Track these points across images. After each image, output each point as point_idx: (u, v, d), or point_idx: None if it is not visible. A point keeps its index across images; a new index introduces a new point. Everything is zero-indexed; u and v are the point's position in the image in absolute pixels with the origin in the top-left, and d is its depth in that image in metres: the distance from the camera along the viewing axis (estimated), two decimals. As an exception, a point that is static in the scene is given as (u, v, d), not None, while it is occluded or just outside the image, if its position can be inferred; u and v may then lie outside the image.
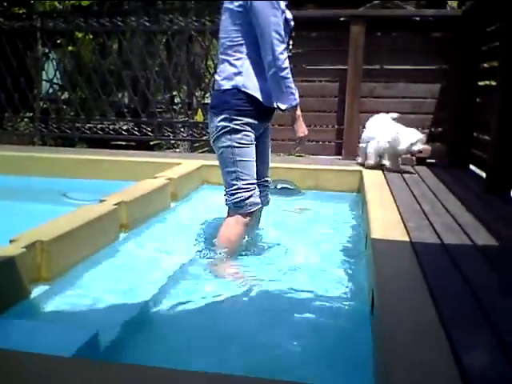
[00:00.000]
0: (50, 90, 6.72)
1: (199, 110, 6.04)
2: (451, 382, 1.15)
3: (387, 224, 2.47)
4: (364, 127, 4.24)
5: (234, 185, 2.40)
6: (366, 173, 3.92)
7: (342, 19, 4.56)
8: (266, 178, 2.65)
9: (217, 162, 2.51)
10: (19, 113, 5.96)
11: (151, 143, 7.04)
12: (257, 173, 2.47)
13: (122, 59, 6.53)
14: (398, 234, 2.30)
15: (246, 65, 2.32)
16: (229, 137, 2.35)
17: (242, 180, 2.39)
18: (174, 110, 6.83)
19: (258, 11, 2.22)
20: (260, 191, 2.55)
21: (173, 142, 7.33)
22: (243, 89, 2.32)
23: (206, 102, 5.36)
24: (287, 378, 1.46)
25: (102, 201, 2.77)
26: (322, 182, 4.05)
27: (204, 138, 5.40)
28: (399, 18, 4.96)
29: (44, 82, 6.94)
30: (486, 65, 4.32)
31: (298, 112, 2.44)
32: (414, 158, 4.21)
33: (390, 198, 3.08)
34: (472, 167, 4.25)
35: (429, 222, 2.54)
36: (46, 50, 6.57)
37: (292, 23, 2.43)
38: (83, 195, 3.46)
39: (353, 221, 3.33)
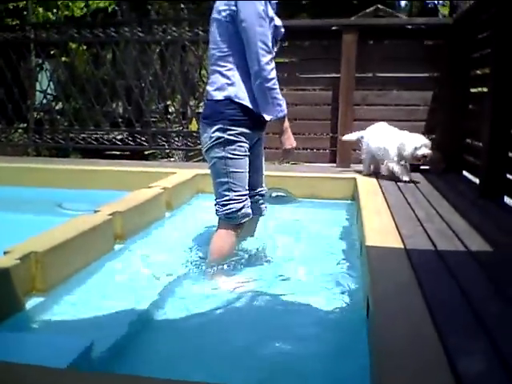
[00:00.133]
0: (44, 101, 6.74)
1: (193, 119, 6.05)
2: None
3: (382, 231, 2.47)
4: (362, 137, 4.18)
5: (226, 196, 2.38)
6: (361, 180, 3.94)
7: (334, 28, 4.60)
8: (261, 188, 2.62)
9: (211, 172, 2.50)
10: (13, 124, 5.97)
11: (146, 153, 7.04)
12: (251, 182, 2.46)
13: (116, 69, 6.56)
14: (393, 240, 2.31)
15: (237, 75, 2.31)
16: (222, 148, 2.33)
17: (234, 191, 2.37)
18: (169, 119, 6.83)
19: (245, 21, 2.21)
20: (256, 201, 2.54)
21: (167, 151, 7.32)
22: (236, 99, 2.31)
23: (200, 111, 5.35)
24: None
25: (96, 211, 2.77)
26: (317, 189, 4.05)
27: (198, 147, 5.36)
28: (391, 26, 5.01)
29: (38, 93, 6.96)
30: (477, 71, 4.35)
31: (286, 123, 2.40)
32: (407, 164, 4.21)
33: (384, 204, 3.09)
34: (465, 173, 4.27)
35: (423, 228, 2.55)
36: (40, 61, 6.59)
37: (282, 30, 2.41)
38: (78, 205, 3.45)
39: (347, 228, 3.33)
